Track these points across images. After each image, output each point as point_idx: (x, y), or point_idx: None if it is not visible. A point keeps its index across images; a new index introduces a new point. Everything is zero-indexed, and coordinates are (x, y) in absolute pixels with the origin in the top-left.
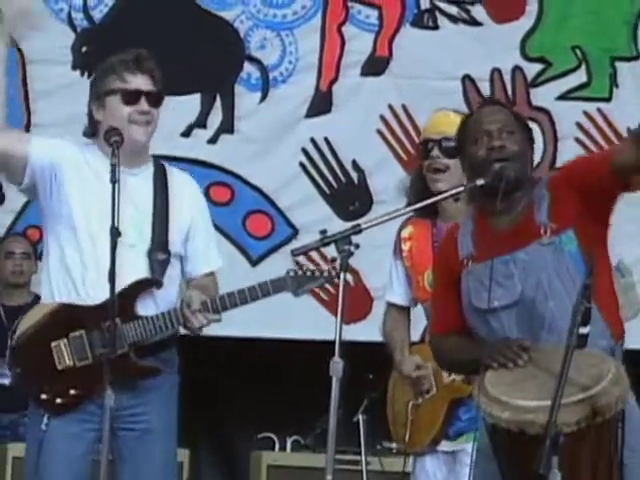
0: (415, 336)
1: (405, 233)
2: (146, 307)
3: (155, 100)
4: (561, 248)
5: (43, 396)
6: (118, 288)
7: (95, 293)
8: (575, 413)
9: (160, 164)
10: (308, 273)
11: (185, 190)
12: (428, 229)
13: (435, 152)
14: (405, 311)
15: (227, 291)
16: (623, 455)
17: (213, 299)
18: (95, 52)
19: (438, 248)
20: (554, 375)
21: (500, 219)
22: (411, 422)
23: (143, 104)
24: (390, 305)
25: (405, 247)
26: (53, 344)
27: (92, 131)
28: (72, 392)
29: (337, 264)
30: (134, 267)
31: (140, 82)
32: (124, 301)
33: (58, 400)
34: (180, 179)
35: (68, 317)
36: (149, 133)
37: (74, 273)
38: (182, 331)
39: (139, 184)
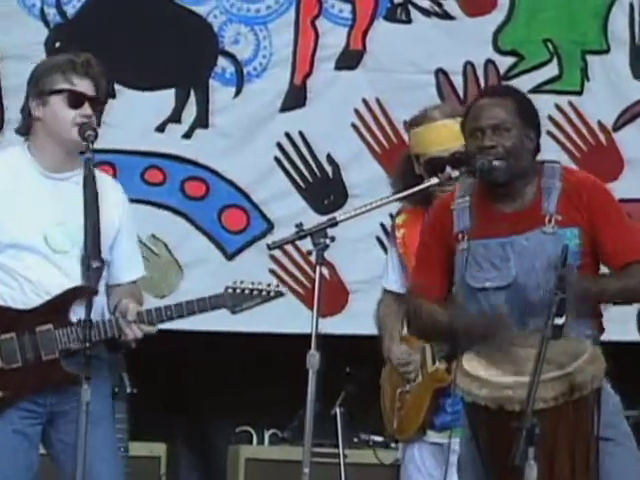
0: None
1: (399, 220)
2: (78, 314)
3: (98, 106)
4: (562, 241)
5: None
6: (52, 294)
7: (29, 300)
8: (552, 389)
9: (91, 168)
10: (247, 291)
11: (112, 196)
12: (421, 217)
13: (448, 170)
14: (399, 298)
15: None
16: (600, 431)
17: (149, 311)
18: (68, 47)
19: (430, 216)
20: (530, 357)
21: (503, 202)
22: (398, 409)
23: (86, 108)
24: (385, 291)
25: (399, 234)
26: None
27: (27, 129)
28: None
29: (274, 286)
30: (68, 274)
31: (86, 86)
32: (58, 307)
33: None
34: (107, 185)
35: (1, 320)
36: None
37: (8, 284)
38: (165, 326)
39: (70, 189)
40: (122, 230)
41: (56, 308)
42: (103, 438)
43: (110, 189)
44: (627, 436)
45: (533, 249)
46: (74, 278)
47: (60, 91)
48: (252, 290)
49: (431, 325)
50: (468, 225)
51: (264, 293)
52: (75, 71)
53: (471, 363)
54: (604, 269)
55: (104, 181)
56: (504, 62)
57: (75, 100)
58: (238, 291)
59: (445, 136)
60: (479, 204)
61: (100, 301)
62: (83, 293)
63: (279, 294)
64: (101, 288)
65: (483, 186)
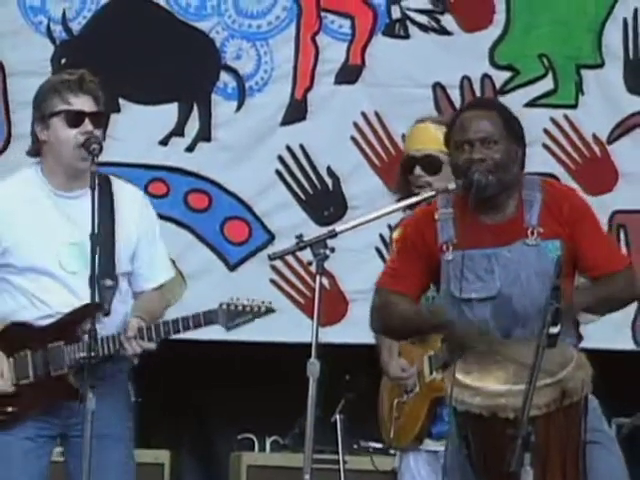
0: None
1: (396, 234)
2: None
3: (99, 121)
4: (545, 252)
5: None
6: (62, 313)
7: (41, 318)
8: (544, 396)
9: (106, 180)
10: (239, 308)
11: (131, 205)
12: None
13: (417, 171)
14: None
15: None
16: (587, 435)
17: (148, 327)
18: (74, 64)
19: (412, 226)
20: (521, 365)
21: (486, 214)
22: (396, 419)
23: (87, 125)
24: None
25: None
26: None
27: (36, 151)
28: (9, 409)
29: (267, 303)
30: (78, 294)
31: (83, 103)
32: (69, 325)
33: None
34: (126, 193)
35: (16, 336)
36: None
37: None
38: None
39: (82, 207)
40: (142, 239)
41: (67, 326)
42: (118, 461)
43: (127, 195)
44: (611, 439)
45: (517, 260)
46: (84, 297)
47: (59, 113)
48: (244, 307)
49: (400, 325)
50: (453, 236)
51: (255, 309)
52: (70, 90)
53: (462, 372)
54: None
55: (120, 188)
56: (500, 76)
57: (74, 119)
58: (232, 307)
59: (421, 136)
60: (462, 215)
61: (118, 313)
62: (93, 311)
63: (270, 310)
64: (117, 300)
65: (466, 198)
